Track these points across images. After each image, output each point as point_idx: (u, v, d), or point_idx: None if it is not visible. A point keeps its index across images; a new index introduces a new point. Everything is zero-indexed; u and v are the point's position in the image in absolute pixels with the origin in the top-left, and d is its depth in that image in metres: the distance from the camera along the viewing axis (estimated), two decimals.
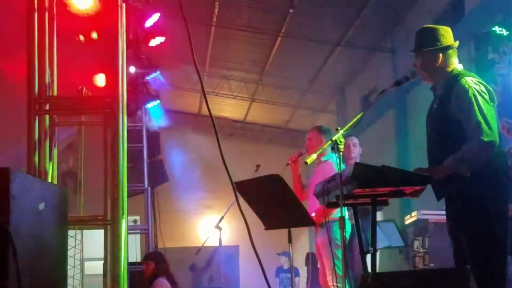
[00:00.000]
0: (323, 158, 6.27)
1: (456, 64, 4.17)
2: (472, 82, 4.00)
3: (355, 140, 6.77)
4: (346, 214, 5.55)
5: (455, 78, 4.07)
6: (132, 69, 8.26)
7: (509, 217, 4.09)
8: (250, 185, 4.95)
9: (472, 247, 3.89)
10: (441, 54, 4.11)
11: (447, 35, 4.17)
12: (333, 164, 6.18)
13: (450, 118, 4.01)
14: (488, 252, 3.86)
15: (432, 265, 7.16)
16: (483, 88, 4.00)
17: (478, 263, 3.80)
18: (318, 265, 6.40)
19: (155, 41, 8.36)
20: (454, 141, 3.96)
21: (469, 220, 3.91)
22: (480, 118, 3.88)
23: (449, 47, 4.14)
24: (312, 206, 5.94)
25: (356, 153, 6.76)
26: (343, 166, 4.35)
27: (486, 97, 3.98)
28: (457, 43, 4.19)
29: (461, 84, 3.99)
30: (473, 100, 3.92)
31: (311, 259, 9.24)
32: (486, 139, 3.85)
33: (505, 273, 3.97)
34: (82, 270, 12.98)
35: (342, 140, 4.13)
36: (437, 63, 4.12)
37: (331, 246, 5.65)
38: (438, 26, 4.30)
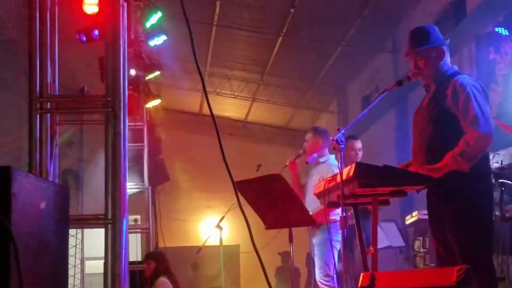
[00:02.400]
0: (321, 159, 6.28)
1: (449, 63, 4.21)
2: (469, 79, 4.05)
3: (360, 145, 6.77)
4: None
5: (451, 75, 4.11)
6: (133, 69, 8.27)
7: (509, 218, 4.10)
8: (251, 185, 4.95)
9: (460, 246, 3.90)
10: (444, 49, 4.15)
11: (438, 33, 4.22)
12: (331, 165, 6.20)
13: (444, 114, 4.02)
14: (476, 251, 3.87)
15: (432, 265, 7.16)
16: (478, 86, 4.04)
17: (466, 263, 3.81)
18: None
19: (156, 40, 8.37)
20: (446, 137, 3.98)
21: (455, 219, 3.92)
22: (477, 111, 3.92)
23: (445, 43, 4.19)
24: (310, 206, 5.95)
25: (360, 157, 6.76)
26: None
27: (482, 94, 4.02)
28: (448, 40, 4.23)
29: (458, 80, 4.02)
30: (471, 96, 3.95)
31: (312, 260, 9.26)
32: (483, 130, 3.87)
33: (494, 271, 3.99)
34: (82, 269, 12.98)
35: (343, 139, 4.13)
36: (441, 59, 4.14)
37: (331, 246, 5.67)
38: (428, 25, 4.35)
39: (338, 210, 4.85)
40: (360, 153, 6.72)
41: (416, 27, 4.32)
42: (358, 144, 6.72)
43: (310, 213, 5.82)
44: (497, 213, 5.26)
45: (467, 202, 3.89)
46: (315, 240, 6.16)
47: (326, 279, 5.94)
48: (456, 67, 4.23)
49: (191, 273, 13.60)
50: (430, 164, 3.96)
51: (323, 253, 6.00)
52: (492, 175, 4.11)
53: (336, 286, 5.85)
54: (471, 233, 3.89)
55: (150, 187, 9.90)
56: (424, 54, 4.16)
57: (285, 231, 5.30)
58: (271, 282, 3.58)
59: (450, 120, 4.00)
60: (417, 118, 4.24)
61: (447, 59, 4.20)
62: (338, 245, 5.95)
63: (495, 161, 5.40)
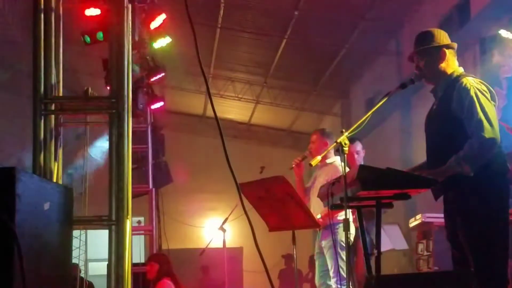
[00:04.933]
0: (327, 161, 6.27)
1: (456, 66, 4.19)
2: (473, 81, 4.02)
3: (358, 148, 6.73)
4: (351, 217, 5.56)
5: (456, 79, 4.09)
6: (138, 70, 8.27)
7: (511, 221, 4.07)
8: (255, 187, 4.95)
9: (473, 250, 3.88)
10: (446, 51, 4.13)
11: (445, 36, 4.21)
12: (337, 166, 6.19)
13: (452, 118, 4.00)
14: (489, 255, 3.84)
15: (436, 268, 7.14)
16: (484, 88, 4.01)
17: (479, 267, 3.79)
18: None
19: (160, 42, 8.38)
20: (456, 141, 3.96)
21: (469, 222, 3.90)
22: (481, 116, 3.89)
23: (450, 46, 4.17)
24: (316, 208, 5.94)
25: (360, 160, 6.71)
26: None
27: (488, 96, 3.99)
28: (455, 44, 4.21)
29: (463, 84, 4.00)
30: (475, 99, 3.93)
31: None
32: (487, 136, 3.85)
33: (506, 276, 3.96)
34: (86, 271, 12.98)
35: (347, 142, 4.13)
36: (442, 61, 4.12)
37: (335, 248, 5.65)
38: (434, 29, 4.34)
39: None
40: (357, 157, 6.67)
41: (422, 30, 4.32)
42: (355, 148, 6.70)
43: (319, 215, 5.81)
44: None
45: (480, 206, 3.86)
46: (324, 243, 6.11)
47: (342, 282, 5.81)
48: (461, 69, 4.21)
49: (194, 275, 13.59)
50: (434, 168, 3.95)
51: (335, 256, 5.86)
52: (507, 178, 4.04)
53: None
54: (483, 237, 3.86)
55: (153, 189, 9.89)
56: (425, 55, 4.16)
57: (288, 233, 5.29)
58: (274, 285, 3.58)
59: (457, 124, 3.98)
60: (428, 124, 4.22)
61: (453, 62, 4.18)
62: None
63: None
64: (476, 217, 3.87)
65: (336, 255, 5.76)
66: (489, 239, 3.85)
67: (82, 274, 9.21)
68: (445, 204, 4.12)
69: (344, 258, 5.70)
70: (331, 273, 6.00)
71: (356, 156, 6.66)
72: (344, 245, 5.79)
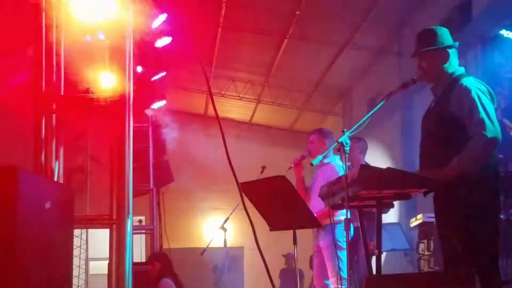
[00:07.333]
0: (325, 160, 6.27)
1: (457, 66, 4.19)
2: (474, 82, 4.03)
3: (364, 146, 6.76)
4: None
5: (456, 79, 4.09)
6: (139, 69, 8.28)
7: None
8: (256, 186, 4.95)
9: (463, 250, 3.89)
10: (449, 52, 4.13)
11: (447, 35, 4.21)
12: (335, 166, 6.19)
13: (448, 118, 4.01)
14: (479, 256, 3.85)
15: (437, 268, 7.15)
16: (484, 89, 4.02)
17: (469, 265, 3.80)
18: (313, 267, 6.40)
19: (162, 42, 8.38)
20: (450, 141, 3.97)
21: (458, 222, 3.91)
22: (483, 115, 3.90)
23: (452, 46, 4.17)
24: (315, 208, 5.94)
25: (364, 157, 6.71)
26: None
27: (488, 97, 4.00)
28: (457, 43, 4.21)
29: (463, 84, 4.01)
30: (476, 99, 3.94)
31: None
32: (489, 135, 3.86)
33: (497, 275, 3.97)
34: (87, 270, 13.00)
35: (348, 141, 4.14)
36: (445, 61, 4.12)
37: (336, 248, 5.65)
38: (437, 27, 4.32)
39: (343, 211, 4.84)
40: (360, 153, 6.70)
41: (425, 28, 4.31)
42: (362, 145, 6.72)
43: (315, 215, 5.81)
44: (502, 216, 5.24)
45: (471, 206, 3.87)
46: (322, 243, 6.12)
47: (341, 281, 5.82)
48: (463, 69, 4.21)
49: (194, 274, 13.58)
50: (436, 168, 3.95)
51: (334, 256, 5.89)
52: (499, 178, 4.06)
53: None
54: (474, 237, 3.87)
55: (154, 188, 9.89)
56: (428, 55, 4.15)
57: (289, 232, 5.29)
58: (275, 284, 3.58)
59: (456, 124, 3.98)
60: (424, 122, 4.23)
61: (454, 61, 4.18)
62: (345, 246, 5.91)
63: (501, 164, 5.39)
64: (467, 217, 3.88)
65: (334, 255, 5.76)
66: (479, 240, 3.86)
67: (83, 273, 9.22)
68: (435, 203, 4.13)
69: (343, 258, 5.72)
70: (329, 273, 6.01)
71: (360, 153, 6.68)
72: (341, 245, 5.81)
